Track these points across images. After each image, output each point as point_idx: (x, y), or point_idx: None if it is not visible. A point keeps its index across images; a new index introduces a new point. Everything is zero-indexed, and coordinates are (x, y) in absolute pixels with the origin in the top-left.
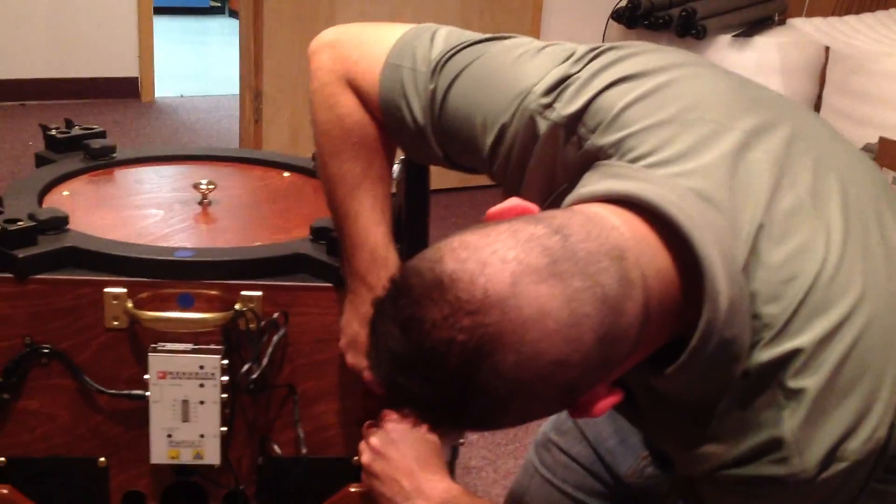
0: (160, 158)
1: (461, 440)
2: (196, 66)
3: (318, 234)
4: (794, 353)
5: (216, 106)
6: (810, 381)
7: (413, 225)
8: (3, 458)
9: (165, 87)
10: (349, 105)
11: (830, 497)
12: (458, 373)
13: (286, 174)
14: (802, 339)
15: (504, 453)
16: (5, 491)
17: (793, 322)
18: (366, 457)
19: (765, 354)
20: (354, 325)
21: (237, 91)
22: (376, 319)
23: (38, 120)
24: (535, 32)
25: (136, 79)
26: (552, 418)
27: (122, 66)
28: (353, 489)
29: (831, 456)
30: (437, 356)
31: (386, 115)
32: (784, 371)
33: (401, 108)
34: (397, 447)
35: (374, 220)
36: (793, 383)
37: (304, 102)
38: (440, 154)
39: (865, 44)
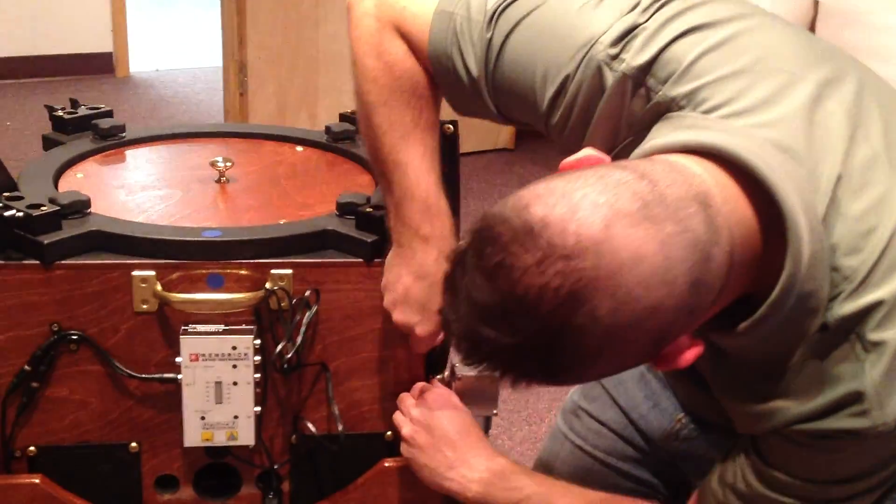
0: (170, 136)
1: (494, 411)
2: (170, 38)
3: (344, 209)
4: (874, 306)
5: (194, 79)
6: (891, 334)
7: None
8: (33, 448)
9: (140, 61)
10: (398, 52)
11: None
12: (550, 320)
13: (299, 148)
14: (883, 291)
15: (518, 420)
16: (36, 480)
17: (873, 274)
18: (407, 429)
19: (845, 307)
20: (406, 279)
21: (214, 63)
22: (456, 271)
23: (11, 99)
24: None
25: (110, 54)
26: (579, 386)
27: (96, 41)
28: (387, 464)
29: None
30: (530, 303)
31: (435, 65)
32: (864, 324)
33: (453, 58)
34: (439, 419)
35: (424, 169)
36: (873, 336)
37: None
38: (492, 107)
39: None
